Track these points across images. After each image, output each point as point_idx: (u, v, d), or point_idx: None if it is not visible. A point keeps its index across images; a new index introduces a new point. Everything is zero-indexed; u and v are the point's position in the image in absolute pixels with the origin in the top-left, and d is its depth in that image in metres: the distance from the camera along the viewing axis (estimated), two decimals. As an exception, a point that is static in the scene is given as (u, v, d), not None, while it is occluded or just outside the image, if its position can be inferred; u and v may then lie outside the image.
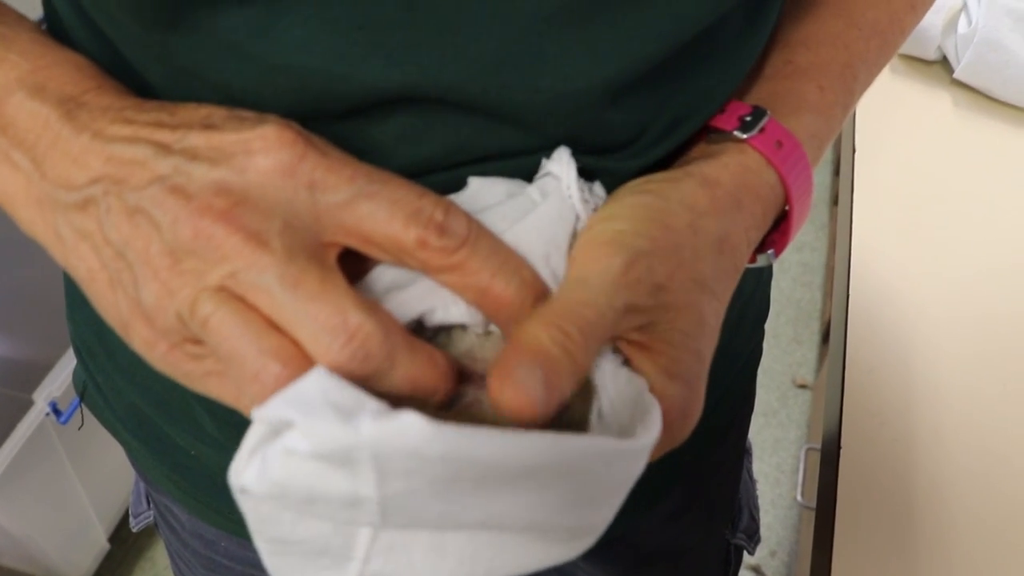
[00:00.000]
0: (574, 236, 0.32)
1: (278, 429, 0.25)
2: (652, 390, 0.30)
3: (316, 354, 0.25)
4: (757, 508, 0.72)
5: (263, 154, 0.27)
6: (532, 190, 0.32)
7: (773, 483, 1.59)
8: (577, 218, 0.32)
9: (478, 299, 0.29)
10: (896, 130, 0.89)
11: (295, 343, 0.26)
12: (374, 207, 0.27)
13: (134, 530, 0.64)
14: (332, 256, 0.27)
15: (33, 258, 1.20)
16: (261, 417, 0.25)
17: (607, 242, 0.30)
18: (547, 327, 0.27)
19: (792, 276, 1.93)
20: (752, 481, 0.73)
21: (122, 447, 0.53)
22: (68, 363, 1.12)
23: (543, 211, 0.31)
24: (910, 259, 0.75)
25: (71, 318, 0.50)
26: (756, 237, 0.36)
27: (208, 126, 0.28)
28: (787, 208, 0.37)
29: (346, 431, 0.23)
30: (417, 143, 0.32)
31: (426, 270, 0.28)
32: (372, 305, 0.26)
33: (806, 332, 1.82)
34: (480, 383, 0.30)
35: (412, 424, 0.23)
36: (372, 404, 0.24)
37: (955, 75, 0.91)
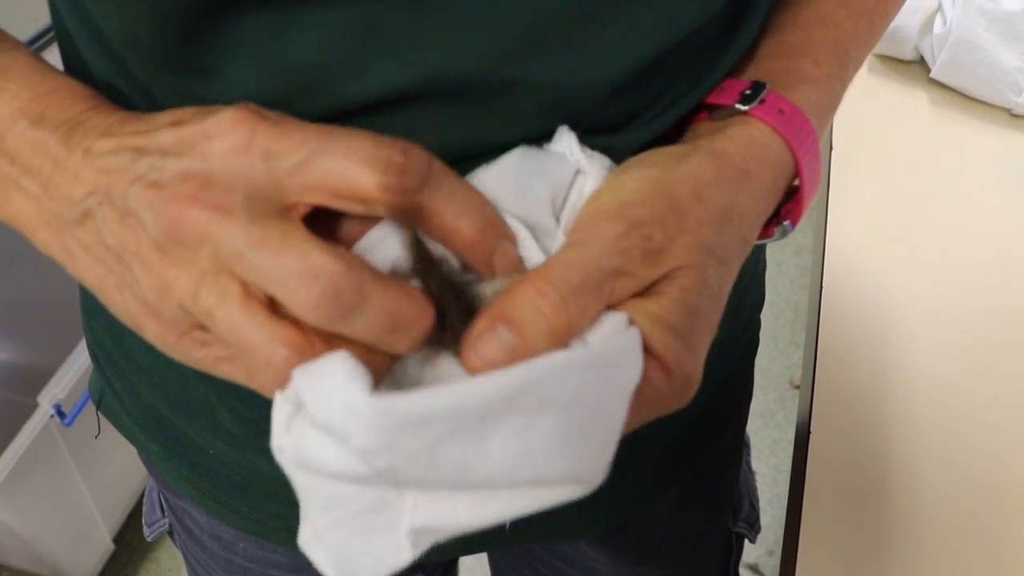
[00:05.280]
0: (571, 192, 0.33)
1: (299, 406, 0.27)
2: None
3: (290, 302, 0.27)
4: (757, 498, 0.73)
5: (219, 138, 0.28)
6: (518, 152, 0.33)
7: (771, 483, 1.60)
8: (578, 171, 0.33)
9: (447, 240, 0.30)
10: (875, 129, 0.90)
11: (297, 327, 0.27)
12: (331, 161, 0.28)
13: (148, 539, 0.64)
14: (296, 216, 0.28)
15: (36, 264, 1.22)
16: (286, 397, 0.28)
17: (609, 212, 0.31)
18: (525, 289, 0.28)
19: (790, 279, 1.94)
20: (751, 472, 0.74)
21: (138, 452, 0.54)
22: (72, 367, 1.14)
23: (516, 162, 0.32)
24: (885, 254, 0.77)
25: (88, 326, 0.51)
26: (767, 208, 0.36)
27: (175, 123, 0.29)
28: (797, 176, 0.38)
29: (339, 407, 0.25)
30: (424, 138, 0.33)
31: (394, 216, 0.29)
32: (336, 248, 0.27)
33: (804, 334, 1.83)
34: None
35: (394, 398, 0.25)
36: (366, 378, 0.26)
37: (932, 75, 0.92)
